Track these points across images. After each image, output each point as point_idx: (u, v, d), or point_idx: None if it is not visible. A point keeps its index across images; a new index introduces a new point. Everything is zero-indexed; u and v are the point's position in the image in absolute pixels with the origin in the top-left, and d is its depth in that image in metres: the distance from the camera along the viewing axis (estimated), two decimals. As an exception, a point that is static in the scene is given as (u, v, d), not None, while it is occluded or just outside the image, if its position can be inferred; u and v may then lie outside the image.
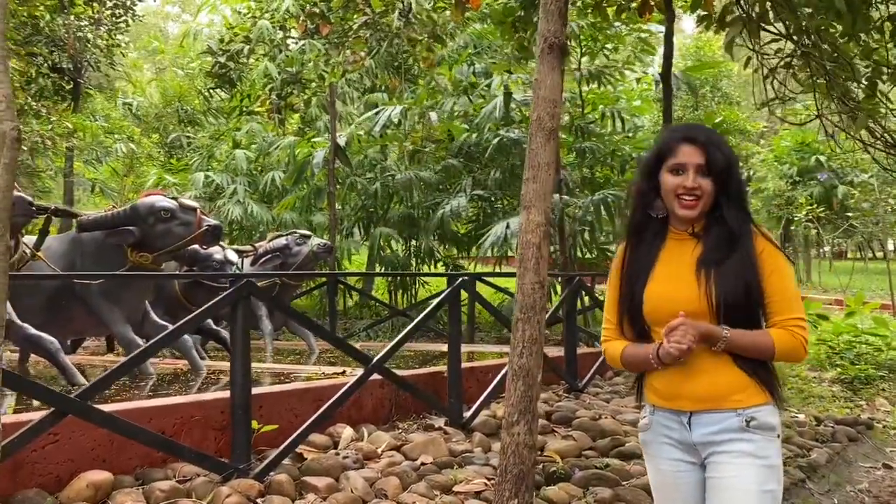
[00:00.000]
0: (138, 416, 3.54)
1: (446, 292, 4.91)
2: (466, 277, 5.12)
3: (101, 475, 3.22)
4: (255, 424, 3.81)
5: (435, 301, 5.07)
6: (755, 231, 2.04)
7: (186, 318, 3.61)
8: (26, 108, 10.52)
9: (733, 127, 14.84)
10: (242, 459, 3.63)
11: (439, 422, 4.88)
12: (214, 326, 7.46)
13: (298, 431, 3.81)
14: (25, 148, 9.84)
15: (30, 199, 4.42)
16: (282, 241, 7.95)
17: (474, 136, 9.93)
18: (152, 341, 3.47)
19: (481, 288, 8.79)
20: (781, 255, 2.05)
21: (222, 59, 11.45)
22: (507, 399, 3.35)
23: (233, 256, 7.07)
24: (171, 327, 5.72)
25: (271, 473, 3.61)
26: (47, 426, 2.95)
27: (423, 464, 4.08)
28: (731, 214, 2.02)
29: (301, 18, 12.18)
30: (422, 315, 4.75)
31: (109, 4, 13.45)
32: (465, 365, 5.78)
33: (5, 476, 3.08)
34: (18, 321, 4.78)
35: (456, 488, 3.79)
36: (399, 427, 4.76)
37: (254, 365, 6.31)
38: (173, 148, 13.48)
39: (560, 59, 3.55)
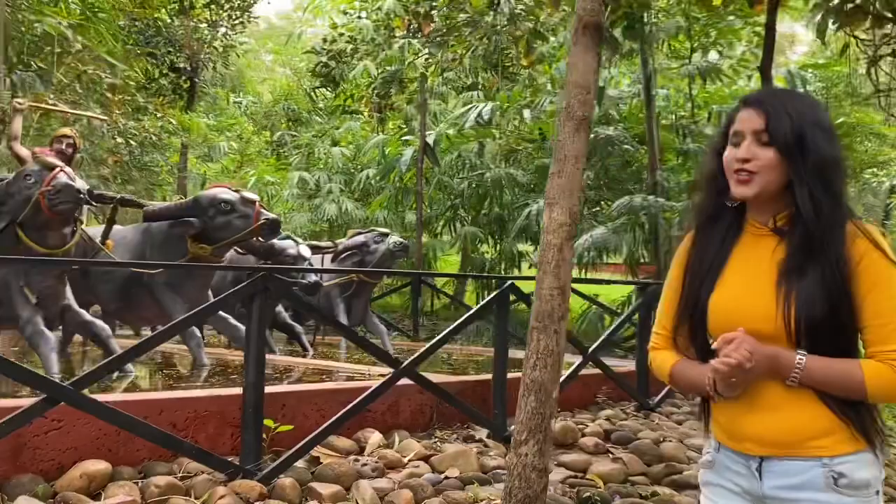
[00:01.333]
0: (148, 407, 3.48)
1: (492, 296, 4.62)
2: (512, 281, 4.79)
3: (98, 465, 3.17)
4: (270, 423, 3.69)
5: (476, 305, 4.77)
6: (854, 230, 1.51)
7: (196, 310, 3.52)
8: (143, 105, 11.07)
9: (868, 130, 13.53)
10: (251, 459, 3.49)
11: (482, 433, 4.60)
12: (290, 321, 7.53)
13: (312, 435, 3.64)
14: (135, 143, 10.34)
15: (78, 186, 4.49)
16: (360, 238, 7.90)
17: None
18: (155, 333, 3.40)
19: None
20: (882, 262, 1.50)
21: (325, 59, 11.60)
22: (517, 416, 3.04)
23: (306, 252, 7.05)
24: (237, 324, 5.81)
25: (280, 476, 3.47)
26: (38, 412, 2.92)
27: (446, 477, 3.82)
28: (805, 201, 1.52)
29: (405, 18, 12.21)
30: (461, 319, 4.48)
31: (227, 7, 13.99)
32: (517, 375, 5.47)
33: (6, 460, 3.09)
34: (76, 307, 4.91)
35: (496, 508, 3.51)
36: (436, 436, 4.51)
37: (302, 361, 6.32)
38: (280, 146, 13.84)
39: (595, 41, 3.20)
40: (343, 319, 7.86)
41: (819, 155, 1.53)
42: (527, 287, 4.52)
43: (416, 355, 4.13)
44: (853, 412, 1.51)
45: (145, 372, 5.98)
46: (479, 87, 11.19)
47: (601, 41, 3.24)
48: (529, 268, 11.35)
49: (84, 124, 10.54)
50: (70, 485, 3.07)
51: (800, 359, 1.49)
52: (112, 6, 11.74)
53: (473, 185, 9.77)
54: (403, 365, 4.06)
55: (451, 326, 4.39)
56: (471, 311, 4.58)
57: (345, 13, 12.78)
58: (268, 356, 6.37)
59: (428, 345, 4.22)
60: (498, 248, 10.28)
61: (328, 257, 8.06)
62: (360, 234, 8.03)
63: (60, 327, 5.37)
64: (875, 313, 1.49)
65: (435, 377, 4.85)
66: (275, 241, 6.94)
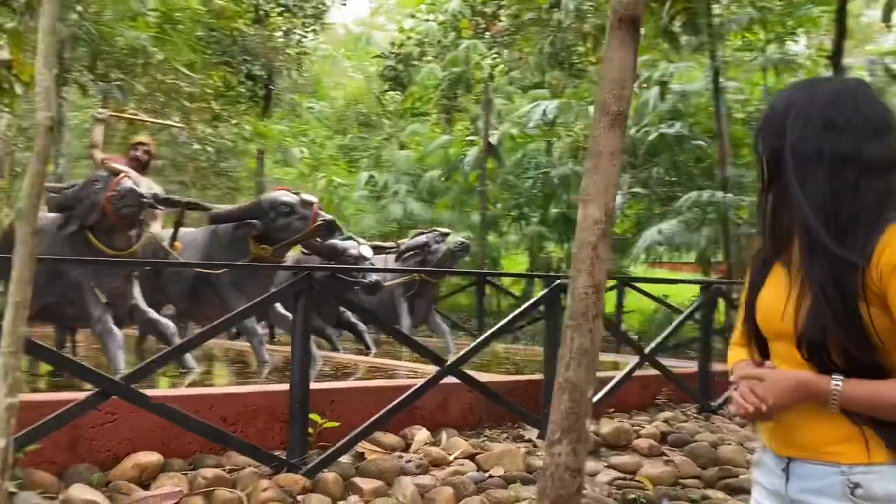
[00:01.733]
0: (199, 402, 3.62)
1: (540, 295, 4.59)
2: (560, 280, 4.73)
3: (150, 457, 3.32)
4: (317, 419, 3.77)
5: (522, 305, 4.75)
6: (887, 239, 1.36)
7: (240, 308, 3.64)
8: (220, 113, 11.49)
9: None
10: (296, 454, 3.59)
11: (532, 433, 4.57)
12: (353, 320, 7.66)
13: (356, 431, 3.71)
14: (211, 149, 10.74)
15: (141, 191, 4.70)
16: (422, 238, 7.97)
17: (632, 130, 9.34)
18: (199, 332, 3.53)
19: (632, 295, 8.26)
20: None
21: (392, 63, 11.75)
22: (551, 415, 3.01)
23: (367, 252, 7.16)
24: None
25: (324, 470, 3.54)
26: (91, 405, 3.08)
27: (490, 476, 3.82)
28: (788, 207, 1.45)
29: (472, 19, 12.24)
30: (508, 318, 4.47)
31: (301, 15, 14.34)
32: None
33: (65, 450, 3.27)
34: (144, 306, 5.14)
35: (528, 509, 3.50)
36: (485, 435, 4.51)
37: (363, 359, 6.42)
38: (351, 150, 14.09)
39: (632, 35, 3.13)
40: (405, 318, 7.96)
41: (795, 147, 1.46)
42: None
43: (461, 354, 4.15)
44: (880, 422, 1.41)
45: (213, 368, 6.21)
46: (546, 85, 11.10)
47: (638, 36, 3.17)
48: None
49: (166, 132, 11.01)
50: (123, 474, 3.23)
51: (836, 385, 1.40)
52: (190, 18, 12.24)
53: (539, 184, 9.69)
54: (448, 363, 4.08)
55: (497, 326, 4.39)
56: (516, 312, 4.56)
57: (413, 16, 12.91)
58: (329, 354, 6.56)
59: (473, 343, 4.22)
60: (565, 248, 10.17)
61: (391, 257, 8.17)
62: (421, 234, 8.10)
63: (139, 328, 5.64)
64: None
65: (486, 376, 4.86)
66: (337, 241, 7.09)
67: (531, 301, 4.75)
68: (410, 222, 10.86)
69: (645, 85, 9.48)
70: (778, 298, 1.50)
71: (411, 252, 7.94)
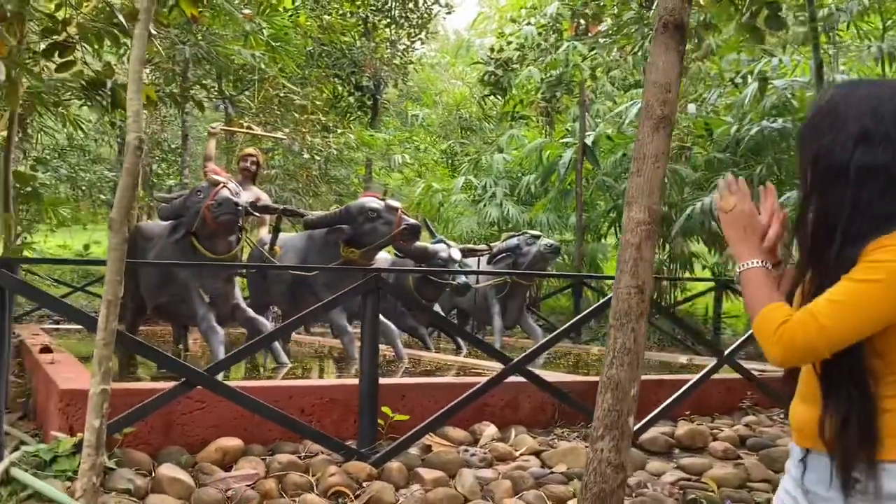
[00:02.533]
0: (279, 393, 3.94)
1: (606, 298, 4.63)
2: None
3: (232, 442, 3.65)
4: (388, 412, 4.01)
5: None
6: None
7: (310, 309, 3.92)
8: (327, 124, 12.09)
9: None
10: (366, 443, 3.84)
11: (603, 432, 4.62)
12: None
13: (423, 424, 3.91)
14: (320, 158, 11.32)
15: (236, 200, 5.11)
16: (513, 241, 8.11)
17: (733, 128, 9.08)
18: (274, 329, 3.83)
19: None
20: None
21: (492, 68, 11.95)
22: (595, 412, 3.10)
23: (456, 254, 7.37)
24: (383, 320, 6.28)
25: (391, 460, 3.77)
26: (178, 394, 3.44)
27: (552, 472, 3.93)
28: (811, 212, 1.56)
29: (573, 20, 12.23)
30: (576, 318, 4.55)
31: (406, 25, 14.82)
32: (653, 377, 5.42)
33: (159, 434, 3.66)
34: (243, 305, 5.58)
35: (570, 502, 3.60)
36: (555, 434, 4.61)
37: (445, 357, 6.62)
38: (453, 155, 14.40)
39: (676, 40, 3.18)
40: (497, 319, 8.14)
41: (806, 164, 1.58)
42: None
43: (526, 353, 4.27)
44: (857, 416, 1.46)
45: (310, 363, 6.60)
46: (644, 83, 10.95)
47: (683, 40, 3.21)
48: (703, 269, 10.92)
49: (280, 143, 11.70)
50: (208, 457, 3.57)
51: (752, 262, 1.58)
52: (303, 34, 12.93)
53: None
54: (514, 362, 4.22)
55: (564, 326, 4.47)
56: (582, 314, 4.63)
57: (513, 21, 13.06)
58: (418, 353, 6.82)
59: (538, 343, 4.34)
60: (667, 249, 10.00)
61: (483, 260, 8.35)
62: (513, 237, 8.24)
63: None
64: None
65: (557, 376, 4.95)
66: (427, 244, 7.36)
67: (598, 303, 4.79)
68: (508, 225, 11.01)
69: (741, 80, 9.21)
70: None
71: (503, 254, 8.10)
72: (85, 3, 6.73)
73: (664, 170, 3.17)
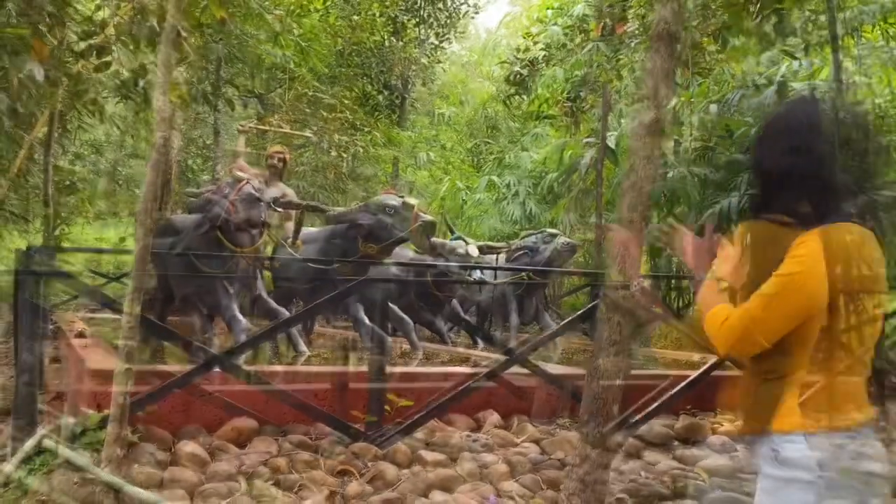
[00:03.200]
0: (294, 378, 4.19)
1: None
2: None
3: (246, 423, 3.91)
4: (394, 398, 4.23)
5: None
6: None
7: (311, 305, 4.17)
8: (354, 122, 12.36)
9: None
10: (374, 427, 4.07)
11: (605, 424, 4.79)
12: (463, 315, 8.11)
13: (427, 409, 4.13)
14: (346, 155, 11.59)
15: (257, 195, 5.36)
16: (531, 239, 8.27)
17: (753, 130, 9.11)
18: (283, 320, 4.07)
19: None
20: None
21: (517, 68, 12.09)
22: (583, 400, 3.28)
23: (473, 251, 7.55)
24: (403, 316, 6.51)
25: (397, 443, 3.99)
26: (197, 375, 3.70)
27: (549, 458, 4.12)
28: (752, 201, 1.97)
29: (599, 21, 12.33)
30: (573, 316, 4.72)
31: (435, 25, 15.02)
32: (657, 372, 5.56)
33: (180, 413, 3.93)
34: (265, 296, 5.84)
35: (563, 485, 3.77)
36: (558, 423, 4.79)
37: (461, 350, 6.81)
38: (479, 154, 14.58)
39: (669, 48, 3.35)
40: (514, 316, 8.31)
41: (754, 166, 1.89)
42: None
43: (528, 345, 4.46)
44: (770, 388, 1.69)
45: (329, 354, 6.85)
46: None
47: (674, 49, 3.38)
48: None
49: (309, 141, 12.00)
50: (224, 436, 3.83)
51: (702, 276, 1.86)
52: (332, 34, 13.20)
53: (660, 186, 9.66)
54: (516, 353, 4.41)
55: (566, 321, 4.65)
56: (581, 311, 4.79)
57: (540, 21, 13.17)
58: (438, 346, 7.02)
59: (540, 337, 4.52)
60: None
61: (502, 257, 8.53)
62: (531, 235, 8.40)
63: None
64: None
65: (564, 369, 5.13)
66: (446, 241, 7.57)
67: (597, 301, 4.94)
68: (531, 224, 11.17)
69: (765, 82, 9.24)
70: None
71: (520, 252, 8.27)
72: (122, 5, 7.06)
73: (656, 170, 3.34)
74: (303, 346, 5.75)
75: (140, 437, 3.62)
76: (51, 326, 7.37)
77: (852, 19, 9.00)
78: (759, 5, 5.60)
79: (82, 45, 6.47)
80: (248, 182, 5.44)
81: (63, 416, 3.84)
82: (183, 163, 15.85)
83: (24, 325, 3.94)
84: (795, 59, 8.82)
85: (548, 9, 12.87)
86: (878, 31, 9.99)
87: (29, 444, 3.36)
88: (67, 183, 7.38)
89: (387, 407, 4.18)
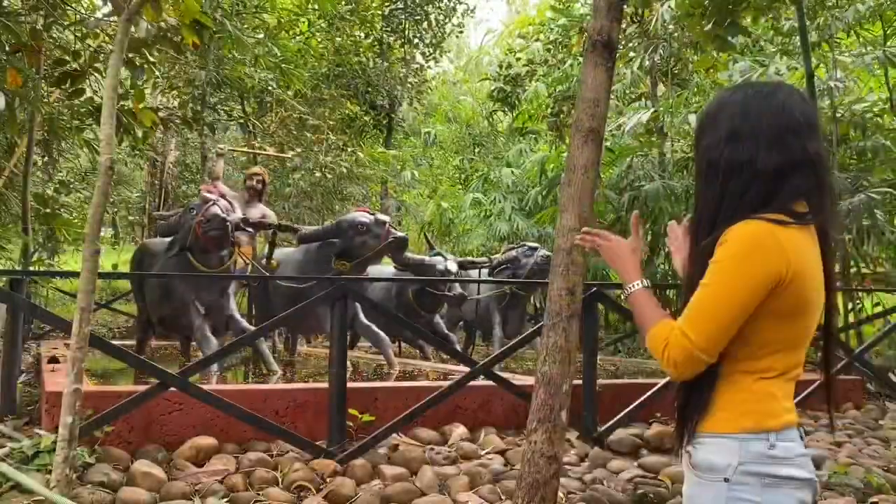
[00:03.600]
0: (254, 396, 4.20)
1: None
2: (596, 288, 4.95)
3: (206, 440, 3.91)
4: (355, 413, 4.24)
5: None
6: (731, 230, 1.54)
7: (272, 319, 4.18)
8: (337, 142, 12.44)
9: None
10: (334, 442, 4.07)
11: (573, 434, 4.79)
12: (445, 331, 8.12)
13: (388, 424, 4.13)
14: (330, 175, 11.65)
15: (223, 216, 5.40)
16: (512, 253, 8.30)
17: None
18: (241, 336, 4.09)
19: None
20: (722, 263, 1.53)
21: (500, 84, 12.19)
22: (531, 406, 3.29)
23: (452, 267, 7.58)
24: (377, 331, 6.53)
25: (358, 458, 3.99)
26: (154, 394, 3.71)
27: (512, 468, 4.11)
28: (698, 201, 1.67)
29: (581, 36, 12.43)
30: (536, 327, 4.72)
31: (420, 45, 15.15)
32: (625, 381, 5.57)
33: (140, 432, 3.94)
34: (237, 316, 5.86)
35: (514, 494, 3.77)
36: (524, 435, 4.77)
37: (430, 365, 6.81)
38: (464, 171, 14.65)
39: (605, 58, 3.39)
40: (498, 329, 8.33)
41: (701, 155, 1.67)
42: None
43: (491, 357, 4.47)
44: (697, 395, 1.58)
45: (304, 370, 6.85)
46: (650, 95, 11.10)
47: (612, 58, 3.42)
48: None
49: (292, 162, 12.07)
50: (182, 454, 3.83)
51: (635, 285, 1.70)
52: (317, 56, 13.33)
53: (640, 199, 9.70)
54: (479, 365, 4.42)
55: (530, 331, 4.66)
56: (540, 324, 4.79)
57: (522, 38, 13.30)
58: (412, 361, 7.02)
59: (506, 346, 4.53)
60: (671, 260, 10.06)
61: (485, 272, 8.55)
62: (512, 249, 8.44)
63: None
64: (694, 298, 1.56)
65: (530, 380, 5.12)
66: (425, 257, 7.60)
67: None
68: (518, 238, 11.19)
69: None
70: None
71: (502, 266, 8.30)
72: (93, 34, 7.16)
73: (594, 179, 3.37)
74: (275, 366, 5.76)
75: (97, 457, 3.63)
76: (31, 355, 7.41)
77: (827, 26, 9.07)
78: (710, 11, 5.66)
79: (56, 73, 6.58)
80: (214, 203, 5.48)
81: (23, 439, 3.86)
82: (169, 186, 16.00)
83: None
84: (763, 66, 8.88)
85: (529, 25, 13.01)
86: (854, 37, 10.09)
87: (-17, 467, 3.37)
88: (47, 211, 7.43)
89: (349, 423, 4.19)
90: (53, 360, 5.63)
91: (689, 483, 1.62)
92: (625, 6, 3.48)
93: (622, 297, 1.70)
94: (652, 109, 9.78)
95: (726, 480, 1.52)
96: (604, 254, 1.78)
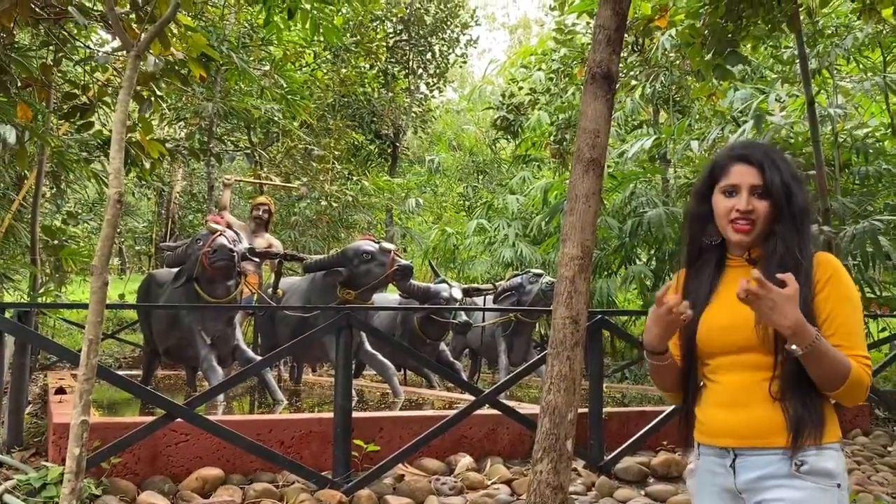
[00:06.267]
0: (260, 426, 4.20)
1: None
2: (602, 315, 4.97)
3: (212, 471, 3.92)
4: (360, 443, 4.24)
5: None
6: (820, 259, 1.80)
7: (278, 349, 4.21)
8: (342, 171, 12.56)
9: None
10: (339, 473, 4.06)
11: (580, 463, 4.77)
12: (450, 359, 8.12)
13: (394, 454, 4.13)
14: (336, 204, 11.74)
15: (230, 246, 5.45)
16: (517, 279, 8.32)
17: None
18: (249, 367, 4.11)
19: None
20: (849, 284, 1.80)
21: (504, 112, 12.30)
22: (536, 436, 3.29)
23: (457, 294, 7.60)
24: (383, 360, 6.54)
25: (364, 488, 3.99)
26: (159, 426, 3.73)
27: (519, 498, 4.10)
28: (787, 238, 1.80)
29: (582, 64, 12.56)
30: (541, 355, 4.73)
31: (424, 76, 15.33)
32: (634, 409, 5.56)
33: (146, 464, 3.95)
34: (243, 346, 5.89)
35: (525, 525, 3.76)
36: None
37: (435, 393, 6.80)
38: (468, 198, 14.74)
39: (604, 89, 3.44)
40: (503, 356, 8.33)
41: (799, 202, 1.82)
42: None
43: (495, 386, 4.47)
44: (812, 409, 1.73)
45: (311, 401, 6.86)
46: (651, 123, 11.20)
47: (611, 89, 3.47)
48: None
49: (298, 192, 12.18)
50: (188, 486, 3.84)
51: (818, 332, 1.69)
52: (323, 87, 13.50)
53: (645, 225, 9.74)
54: (484, 393, 4.42)
55: (535, 359, 4.67)
56: (545, 352, 4.80)
57: (525, 67, 13.45)
58: (418, 390, 7.01)
59: (511, 375, 4.53)
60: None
61: (489, 299, 8.57)
62: (517, 276, 8.46)
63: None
64: (843, 324, 1.74)
65: (535, 408, 5.11)
66: (430, 285, 7.63)
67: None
68: (523, 265, 11.22)
69: (736, 118, 9.38)
70: (729, 317, 1.81)
71: (507, 293, 8.32)
72: (102, 70, 7.28)
73: (596, 208, 3.40)
74: (280, 395, 5.77)
75: (104, 489, 3.64)
76: (38, 385, 7.44)
77: (827, 53, 9.16)
78: (710, 41, 5.75)
79: (66, 107, 6.69)
80: (221, 234, 5.53)
81: (28, 470, 3.87)
82: (177, 216, 16.12)
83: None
84: (764, 93, 8.96)
85: (531, 54, 13.16)
86: (854, 64, 10.17)
87: (-11, 500, 3.38)
88: (55, 242, 7.50)
89: (355, 453, 4.19)
90: (60, 391, 5.65)
91: (801, 490, 1.71)
92: (625, 35, 3.55)
93: (806, 349, 1.67)
94: (654, 136, 9.86)
95: (839, 486, 1.72)
96: (765, 306, 1.65)
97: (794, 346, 1.66)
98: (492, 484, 4.33)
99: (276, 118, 10.72)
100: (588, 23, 11.49)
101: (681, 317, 1.76)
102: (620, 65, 11.82)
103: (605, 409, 4.96)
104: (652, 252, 10.70)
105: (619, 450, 4.74)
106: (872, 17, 7.35)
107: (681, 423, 1.96)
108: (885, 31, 9.15)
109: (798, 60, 8.28)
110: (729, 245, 1.90)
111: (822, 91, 9.85)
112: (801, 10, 7.01)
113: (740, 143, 2.23)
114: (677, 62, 10.93)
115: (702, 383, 1.91)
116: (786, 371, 1.74)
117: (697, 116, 10.65)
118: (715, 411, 1.83)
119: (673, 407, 5.06)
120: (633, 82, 10.28)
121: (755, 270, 1.66)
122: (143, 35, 3.92)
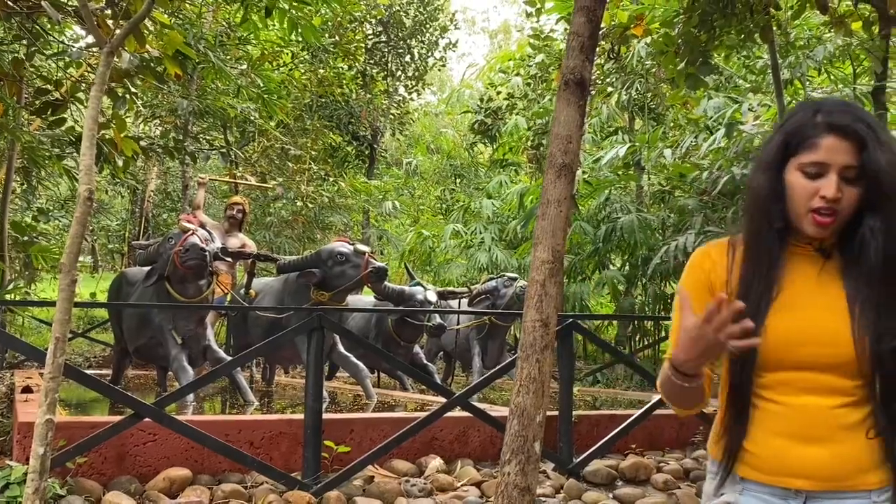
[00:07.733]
0: (229, 427, 4.18)
1: (549, 333, 4.86)
2: (573, 318, 5.01)
3: (179, 472, 3.89)
4: (331, 444, 4.23)
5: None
6: None
7: (249, 350, 4.19)
8: (318, 172, 12.51)
9: None
10: (309, 474, 4.06)
11: (549, 466, 4.81)
12: (424, 361, 8.12)
13: (364, 456, 4.13)
14: (312, 205, 11.71)
15: (201, 246, 5.41)
16: (492, 283, 8.35)
17: (704, 174, 9.36)
18: (216, 368, 4.09)
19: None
20: None
21: (482, 117, 12.34)
22: (504, 438, 3.31)
23: (432, 297, 7.61)
24: (356, 361, 6.53)
25: (333, 490, 3.98)
26: (127, 426, 3.70)
27: (487, 500, 4.12)
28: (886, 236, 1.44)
29: (560, 70, 12.64)
30: (511, 359, 4.76)
31: (402, 77, 15.34)
32: (604, 412, 5.61)
33: (113, 464, 3.91)
34: (214, 346, 5.85)
35: (493, 527, 3.78)
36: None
37: (408, 395, 6.82)
38: (445, 201, 14.77)
39: (577, 96, 3.47)
40: (477, 359, 8.35)
41: None
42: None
43: (466, 388, 4.49)
44: None
45: (282, 402, 6.84)
46: (626, 130, 11.31)
47: (584, 95, 3.51)
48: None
49: (273, 192, 12.13)
50: (156, 486, 3.81)
51: None
52: (300, 87, 13.45)
53: (618, 231, 9.84)
54: (455, 396, 4.44)
55: (506, 362, 4.69)
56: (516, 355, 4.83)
57: (503, 72, 13.51)
58: (392, 392, 7.01)
59: (482, 378, 4.55)
60: (647, 291, 10.20)
61: (465, 302, 8.59)
62: (492, 279, 8.49)
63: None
64: None
65: (504, 410, 5.14)
66: (405, 287, 7.63)
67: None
68: (498, 269, 11.27)
69: (709, 126, 9.50)
70: (818, 322, 1.47)
71: (482, 296, 8.34)
72: (75, 65, 7.20)
73: (567, 213, 3.44)
74: (251, 396, 5.74)
75: (69, 489, 3.60)
76: (4, 384, 7.32)
77: (799, 65, 9.30)
78: (683, 50, 5.83)
79: (37, 102, 6.60)
80: (193, 233, 5.50)
81: (-8, 471, 3.81)
82: (150, 215, 15.97)
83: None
84: (737, 103, 9.09)
85: (510, 59, 13.23)
86: (825, 76, 10.35)
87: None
88: (25, 238, 7.40)
89: (325, 455, 4.18)
90: (27, 389, 5.58)
91: None
92: (601, 42, 3.59)
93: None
94: (629, 143, 9.96)
95: None
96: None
97: None
98: (461, 486, 4.35)
99: (252, 117, 10.67)
100: (566, 29, 11.57)
101: (739, 337, 1.34)
102: (597, 72, 11.99)
103: (574, 412, 5.00)
104: (625, 258, 10.81)
105: (588, 452, 4.78)
106: (842, 29, 7.51)
107: (727, 447, 1.54)
108: (854, 44, 9.32)
109: (770, 71, 8.41)
110: (793, 229, 1.50)
111: (793, 101, 10.01)
112: (772, 21, 7.12)
113: (832, 103, 1.51)
114: (653, 70, 11.05)
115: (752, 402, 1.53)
116: (881, 396, 1.44)
117: (672, 124, 10.77)
118: (779, 443, 1.48)
119: (642, 410, 5.13)
120: (610, 89, 10.37)
121: (723, 293, 1.35)
122: (117, 31, 3.89)
